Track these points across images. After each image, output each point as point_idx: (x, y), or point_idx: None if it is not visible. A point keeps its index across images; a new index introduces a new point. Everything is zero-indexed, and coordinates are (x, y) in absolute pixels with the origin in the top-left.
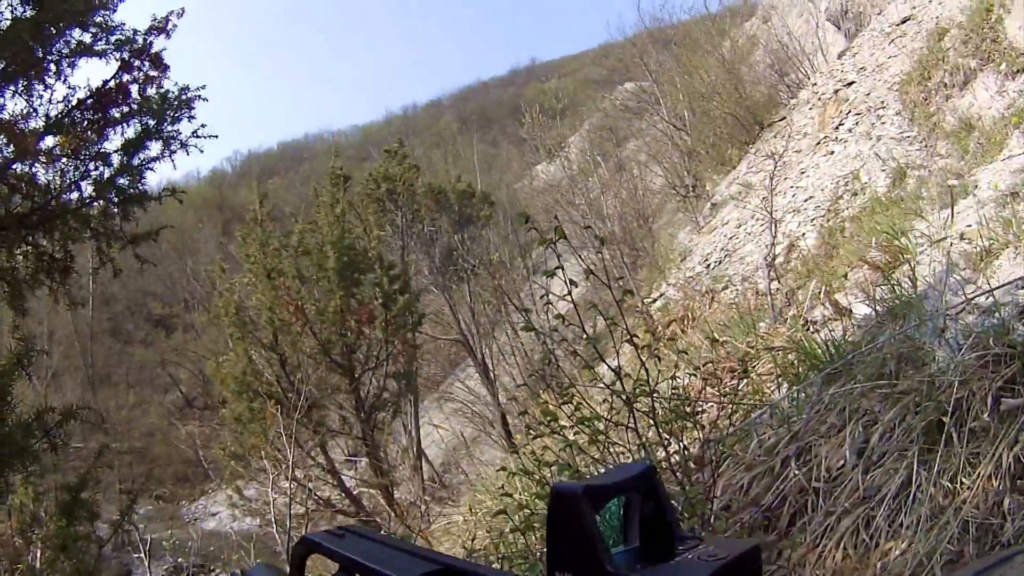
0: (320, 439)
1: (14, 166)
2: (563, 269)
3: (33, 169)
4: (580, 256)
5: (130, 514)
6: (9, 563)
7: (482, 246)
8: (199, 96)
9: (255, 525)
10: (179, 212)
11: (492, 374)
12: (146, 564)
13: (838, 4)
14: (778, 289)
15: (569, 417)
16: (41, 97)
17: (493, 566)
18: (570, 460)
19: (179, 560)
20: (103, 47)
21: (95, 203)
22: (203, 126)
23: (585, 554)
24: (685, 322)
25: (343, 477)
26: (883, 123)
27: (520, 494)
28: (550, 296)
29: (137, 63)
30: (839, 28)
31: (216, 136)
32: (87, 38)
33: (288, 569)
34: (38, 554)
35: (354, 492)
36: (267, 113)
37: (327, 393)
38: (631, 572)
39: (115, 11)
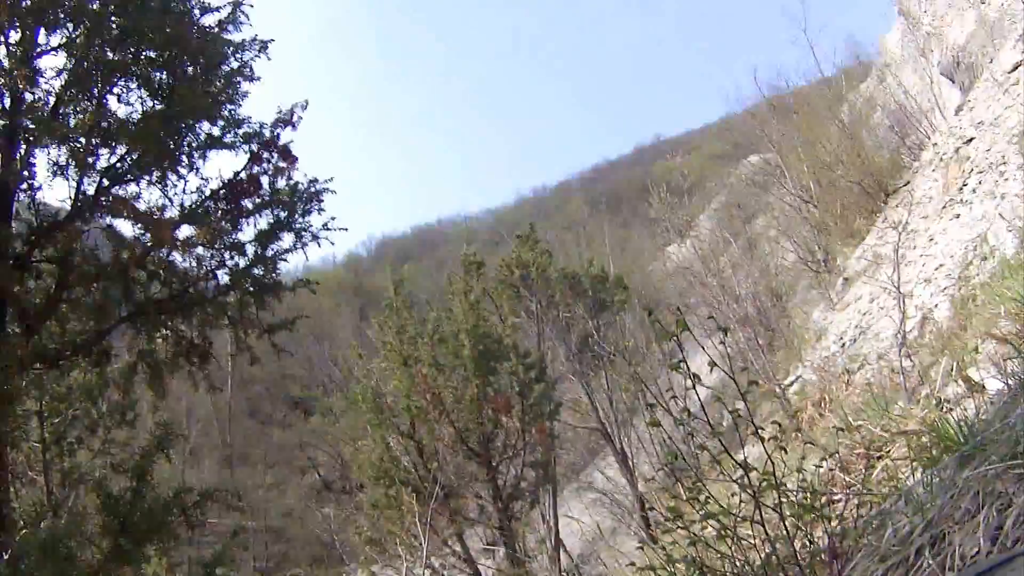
0: (457, 528)
1: (152, 254)
2: (685, 362)
3: (171, 257)
4: (712, 342)
5: None
6: None
7: (618, 331)
8: (328, 189)
9: None
10: (316, 297)
11: (631, 463)
12: None
13: (950, 56)
14: (912, 367)
15: (697, 512)
16: (175, 187)
17: None
18: (698, 556)
19: None
20: (232, 140)
21: (231, 292)
22: (333, 219)
23: None
24: (822, 405)
25: (480, 566)
26: (1006, 179)
27: None
28: (683, 386)
29: (266, 155)
30: (953, 82)
31: (346, 229)
32: (216, 131)
33: None
34: None
35: None
36: (400, 198)
37: (464, 481)
38: None
39: (241, 106)
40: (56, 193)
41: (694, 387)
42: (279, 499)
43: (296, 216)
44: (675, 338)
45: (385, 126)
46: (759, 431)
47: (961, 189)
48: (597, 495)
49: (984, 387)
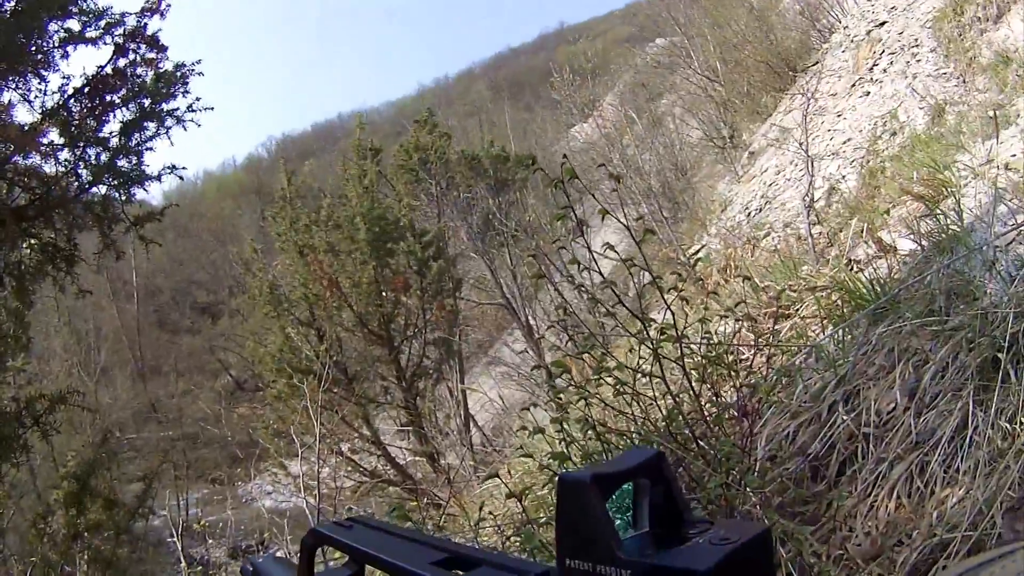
0: (363, 411)
1: (15, 159)
2: (572, 208)
3: (33, 160)
4: (619, 215)
5: (148, 500)
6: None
7: (520, 209)
8: (194, 71)
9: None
10: (218, 201)
11: (537, 335)
12: (179, 546)
13: None
14: (820, 233)
15: (593, 369)
16: (35, 89)
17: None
18: (591, 415)
19: (240, 541)
20: (94, 33)
21: (95, 188)
22: (198, 99)
23: (595, 541)
24: (727, 271)
25: (395, 447)
26: (918, 61)
27: (543, 455)
28: (587, 251)
29: (132, 46)
30: None
31: (212, 108)
32: (75, 25)
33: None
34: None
35: (405, 461)
36: (301, 97)
37: (368, 365)
38: (642, 557)
39: None
40: None
41: (582, 233)
42: (193, 405)
43: (161, 103)
44: (562, 186)
45: (284, 22)
46: (656, 280)
47: (871, 69)
48: (506, 369)
49: (896, 248)
